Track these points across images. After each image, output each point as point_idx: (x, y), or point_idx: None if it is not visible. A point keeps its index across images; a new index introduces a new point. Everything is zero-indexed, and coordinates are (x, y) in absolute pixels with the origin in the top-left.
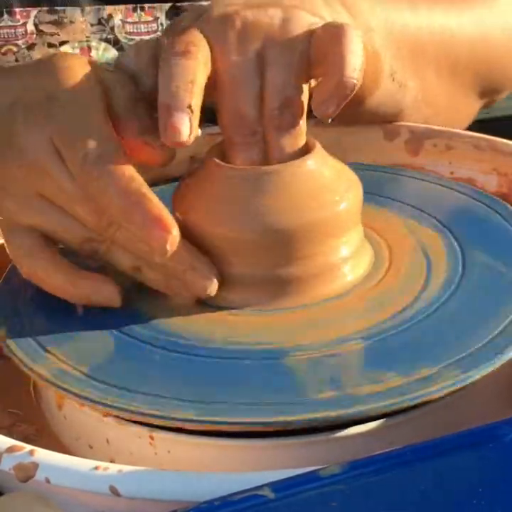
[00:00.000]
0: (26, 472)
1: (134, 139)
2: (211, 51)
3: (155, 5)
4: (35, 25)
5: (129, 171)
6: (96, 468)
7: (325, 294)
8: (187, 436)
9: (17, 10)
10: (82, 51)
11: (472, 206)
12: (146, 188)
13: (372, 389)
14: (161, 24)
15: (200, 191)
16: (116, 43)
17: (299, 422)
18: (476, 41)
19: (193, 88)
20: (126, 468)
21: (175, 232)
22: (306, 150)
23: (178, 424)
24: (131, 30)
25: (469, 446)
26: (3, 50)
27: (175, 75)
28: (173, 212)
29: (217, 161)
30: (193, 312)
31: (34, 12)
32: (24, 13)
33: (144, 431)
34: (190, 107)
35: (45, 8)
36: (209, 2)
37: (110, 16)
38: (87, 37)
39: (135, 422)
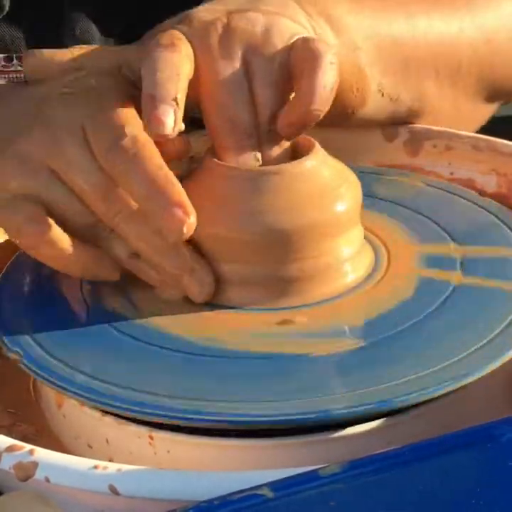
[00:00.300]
0: (26, 471)
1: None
2: (194, 55)
3: None
4: None
5: (159, 159)
6: (95, 467)
7: (325, 294)
8: (186, 435)
9: None
10: None
11: (473, 211)
12: (172, 177)
13: (371, 389)
14: None
15: (200, 191)
16: None
17: (297, 421)
18: (479, 45)
19: (179, 81)
20: (126, 467)
21: (193, 219)
22: (305, 150)
23: (177, 422)
24: None
25: (467, 446)
26: None
27: (160, 66)
28: None
29: (217, 161)
30: (192, 311)
31: None
32: None
33: (144, 430)
34: (175, 99)
35: None
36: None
37: None
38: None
39: (134, 422)
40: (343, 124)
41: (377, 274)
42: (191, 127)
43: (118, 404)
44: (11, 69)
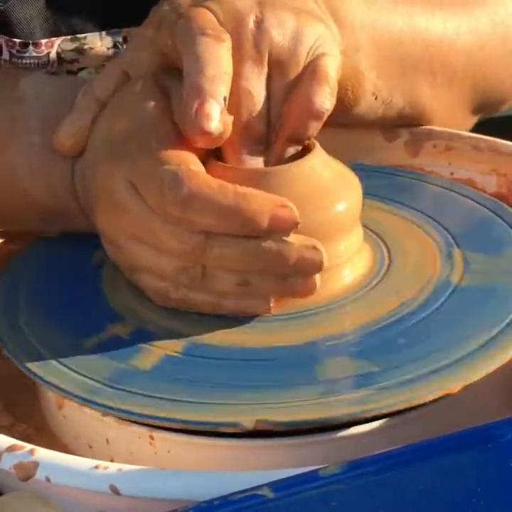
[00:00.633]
0: (26, 471)
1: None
2: None
3: None
4: (58, 53)
5: (214, 180)
6: (96, 467)
7: (323, 295)
8: (187, 436)
9: (43, 41)
10: None
11: (474, 209)
12: (235, 187)
13: (371, 389)
14: None
15: None
16: None
17: (296, 423)
18: (474, 51)
19: (227, 81)
20: (127, 467)
21: (292, 206)
22: (306, 151)
23: (179, 426)
24: None
25: (468, 446)
26: None
27: (210, 60)
28: None
29: (219, 162)
30: (199, 319)
31: (58, 41)
32: (49, 44)
33: (144, 431)
34: (224, 99)
35: (68, 37)
36: None
37: (125, 39)
38: (103, 62)
39: (135, 422)
40: (331, 122)
41: (377, 273)
42: None
43: (118, 407)
44: (26, 54)
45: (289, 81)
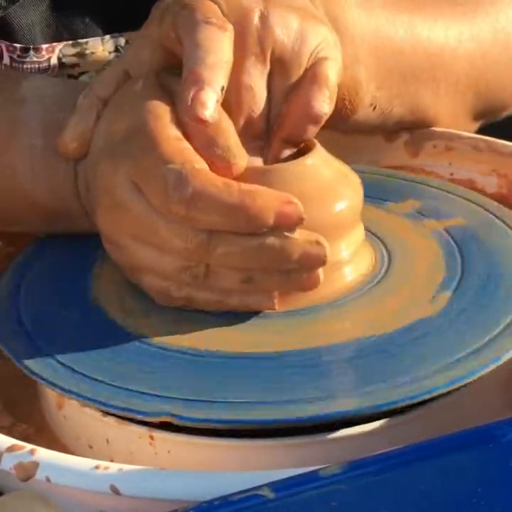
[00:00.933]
0: (27, 471)
1: None
2: None
3: None
4: (59, 58)
5: (218, 178)
6: (96, 467)
7: (324, 295)
8: (187, 436)
9: (43, 46)
10: None
11: (473, 210)
12: (239, 184)
13: (371, 389)
14: None
15: None
16: None
17: (295, 420)
18: (476, 59)
19: (227, 70)
20: (127, 467)
21: (297, 201)
22: (306, 150)
23: (182, 423)
24: None
25: (468, 446)
26: None
27: (211, 47)
28: None
29: None
30: (198, 319)
31: (59, 47)
32: (50, 49)
33: (144, 431)
34: (222, 89)
35: (69, 42)
36: None
37: (127, 43)
38: (104, 66)
39: (135, 422)
40: (328, 127)
41: (378, 273)
42: None
43: (118, 405)
44: (26, 59)
45: (290, 82)
